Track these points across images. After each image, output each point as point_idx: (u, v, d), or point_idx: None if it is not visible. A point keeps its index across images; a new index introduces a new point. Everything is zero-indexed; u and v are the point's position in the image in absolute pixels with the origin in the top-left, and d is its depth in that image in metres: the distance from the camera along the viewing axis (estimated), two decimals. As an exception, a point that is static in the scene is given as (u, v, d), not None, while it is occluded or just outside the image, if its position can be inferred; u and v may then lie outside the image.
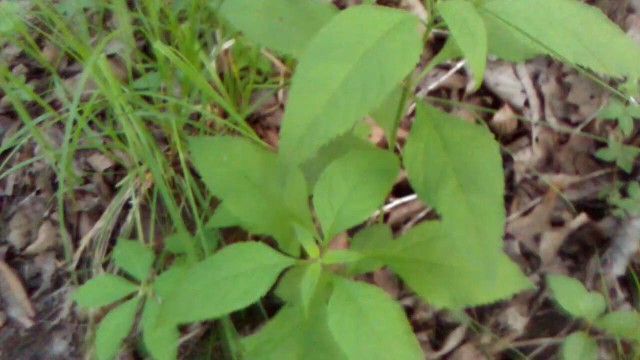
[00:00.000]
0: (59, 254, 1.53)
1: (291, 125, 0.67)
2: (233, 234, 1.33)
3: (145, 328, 1.13)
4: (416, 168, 0.81)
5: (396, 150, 1.36)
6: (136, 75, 1.45)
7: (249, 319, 1.33)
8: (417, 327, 1.29)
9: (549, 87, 1.48)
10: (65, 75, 1.68)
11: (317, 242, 0.89)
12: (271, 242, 0.92)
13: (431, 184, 0.80)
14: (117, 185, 1.32)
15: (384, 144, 1.42)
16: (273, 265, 0.84)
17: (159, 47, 0.98)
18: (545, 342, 1.25)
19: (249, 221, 0.91)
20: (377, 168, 0.87)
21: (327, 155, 0.89)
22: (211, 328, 1.37)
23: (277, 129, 1.48)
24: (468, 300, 0.89)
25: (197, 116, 1.38)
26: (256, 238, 1.34)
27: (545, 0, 0.73)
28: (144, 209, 1.40)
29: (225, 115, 1.39)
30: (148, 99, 1.37)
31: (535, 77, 1.50)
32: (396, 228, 1.37)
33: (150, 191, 1.36)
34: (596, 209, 1.36)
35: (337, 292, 0.82)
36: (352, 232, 1.24)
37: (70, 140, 1.16)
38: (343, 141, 1.02)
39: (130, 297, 1.19)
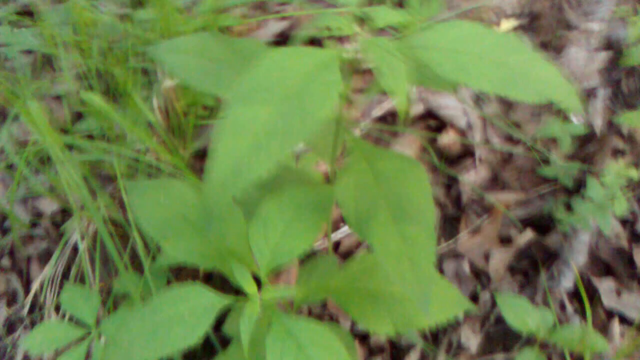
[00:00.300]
0: (11, 299, 1.51)
1: (215, 168, 0.68)
2: (183, 271, 1.32)
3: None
4: (348, 201, 0.82)
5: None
6: (81, 116, 1.44)
7: (203, 353, 1.32)
8: (372, 351, 1.29)
9: (492, 107, 1.51)
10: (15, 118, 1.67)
11: (258, 278, 0.89)
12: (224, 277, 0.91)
13: (363, 216, 0.81)
14: (62, 229, 1.31)
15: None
16: (210, 306, 0.84)
17: (87, 97, 0.98)
18: (499, 358, 1.26)
19: (189, 262, 0.91)
20: (312, 202, 0.88)
21: (268, 190, 0.90)
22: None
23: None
24: (409, 326, 0.90)
25: (145, 151, 1.38)
26: (209, 274, 1.34)
27: (468, 32, 0.75)
28: (94, 250, 1.39)
29: (171, 151, 1.39)
30: (94, 139, 1.37)
31: (478, 99, 1.53)
32: (348, 254, 1.37)
33: (97, 233, 1.35)
34: (543, 224, 1.38)
35: (276, 328, 0.82)
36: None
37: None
38: (284, 175, 1.02)
39: (81, 340, 1.18)
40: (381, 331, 0.89)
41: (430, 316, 0.90)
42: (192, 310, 0.84)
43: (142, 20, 1.21)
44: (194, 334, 0.82)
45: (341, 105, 0.86)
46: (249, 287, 0.86)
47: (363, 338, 1.30)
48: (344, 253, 1.36)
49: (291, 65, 0.72)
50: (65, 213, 1.45)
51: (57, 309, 1.41)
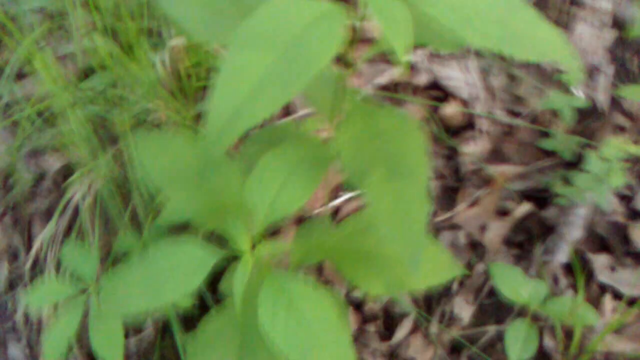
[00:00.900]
0: (12, 257, 1.53)
1: (216, 112, 0.68)
2: (184, 232, 1.33)
3: (91, 327, 1.13)
4: (346, 157, 0.82)
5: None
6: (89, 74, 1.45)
7: (200, 315, 1.34)
8: (366, 318, 1.30)
9: (498, 81, 1.51)
10: (21, 76, 1.67)
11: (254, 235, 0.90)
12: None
13: (359, 171, 0.82)
14: (64, 186, 1.32)
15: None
16: (205, 259, 0.85)
17: (100, 44, 0.98)
18: (491, 329, 1.27)
19: (186, 217, 0.92)
20: (309, 158, 0.88)
21: (269, 149, 0.91)
22: (165, 327, 1.38)
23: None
24: (401, 287, 0.91)
25: (150, 109, 1.38)
26: (208, 236, 1.36)
27: None
28: (96, 209, 1.40)
29: (178, 110, 1.40)
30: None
31: (485, 72, 1.53)
32: (346, 222, 1.38)
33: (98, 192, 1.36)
34: (541, 197, 1.39)
35: (269, 284, 0.83)
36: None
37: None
38: (284, 137, 1.03)
39: (79, 294, 1.20)
40: (373, 292, 0.90)
41: (422, 279, 0.92)
42: (187, 263, 0.85)
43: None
44: (188, 286, 0.83)
45: (343, 65, 0.87)
46: (243, 242, 0.87)
47: (357, 306, 1.31)
48: (342, 219, 1.37)
49: (294, 13, 0.72)
50: (68, 171, 1.46)
51: (58, 267, 1.43)
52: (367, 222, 0.93)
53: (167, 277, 0.85)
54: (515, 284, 1.18)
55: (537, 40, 0.75)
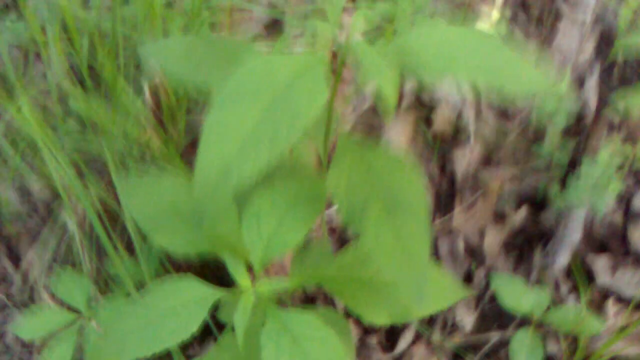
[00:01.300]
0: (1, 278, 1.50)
1: (204, 173, 0.67)
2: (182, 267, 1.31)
3: (87, 353, 1.11)
4: (340, 195, 0.80)
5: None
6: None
7: (201, 337, 1.32)
8: (367, 330, 1.29)
9: (484, 99, 1.48)
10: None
11: (251, 270, 0.88)
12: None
13: (356, 209, 0.80)
14: (52, 207, 1.28)
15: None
16: (204, 299, 0.83)
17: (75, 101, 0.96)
18: (494, 336, 1.26)
19: (183, 254, 0.90)
20: (305, 195, 0.86)
21: (263, 182, 0.89)
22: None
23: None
24: (406, 316, 0.89)
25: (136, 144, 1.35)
26: (203, 262, 1.33)
27: (449, 34, 0.74)
28: (84, 229, 1.37)
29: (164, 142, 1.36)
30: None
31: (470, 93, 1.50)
32: (341, 232, 1.36)
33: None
34: (538, 201, 1.37)
35: (271, 323, 0.81)
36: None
37: None
38: (279, 168, 1.01)
39: (72, 324, 1.17)
40: (377, 321, 0.88)
41: (426, 305, 0.90)
42: (185, 304, 0.83)
43: (127, 16, 1.17)
44: (187, 328, 0.81)
45: (331, 97, 0.84)
46: (243, 280, 0.85)
47: (358, 318, 1.30)
48: (335, 230, 1.35)
49: (276, 68, 0.71)
50: (56, 192, 1.42)
51: (48, 289, 1.40)
52: (367, 253, 0.91)
53: (165, 319, 0.83)
54: (516, 294, 1.16)
55: (517, 76, 0.74)
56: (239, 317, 0.81)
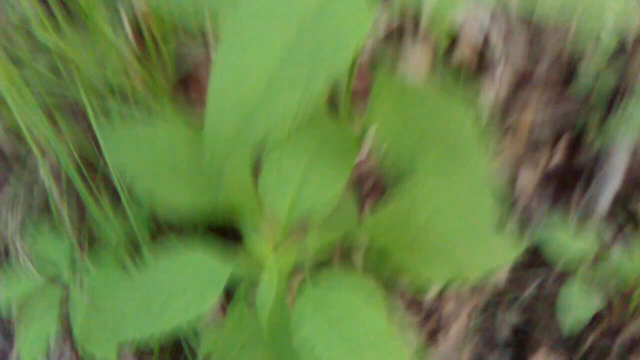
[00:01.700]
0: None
1: (217, 124, 0.50)
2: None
3: (74, 327, 0.97)
4: (385, 141, 0.65)
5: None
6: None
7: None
8: (388, 286, 1.16)
9: (514, 20, 1.31)
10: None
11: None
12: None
13: (404, 161, 0.65)
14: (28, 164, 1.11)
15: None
16: (217, 275, 0.68)
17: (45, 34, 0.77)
18: (530, 290, 1.14)
19: (190, 220, 0.75)
20: (334, 142, 0.70)
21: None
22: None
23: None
24: (458, 279, 0.76)
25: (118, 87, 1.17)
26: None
27: None
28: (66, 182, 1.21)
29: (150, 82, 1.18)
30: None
31: (498, 13, 1.32)
32: (364, 182, 1.22)
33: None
34: (573, 142, 1.23)
35: (302, 302, 0.67)
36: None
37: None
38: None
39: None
40: (435, 279, 0.75)
41: (480, 264, 0.76)
42: (194, 280, 0.69)
43: None
44: (199, 306, 0.67)
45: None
46: (264, 250, 0.70)
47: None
48: (358, 181, 1.20)
49: None
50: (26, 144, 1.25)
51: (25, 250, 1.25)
52: (408, 206, 0.76)
53: (172, 295, 0.68)
54: (562, 243, 1.03)
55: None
56: (263, 298, 0.67)
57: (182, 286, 0.68)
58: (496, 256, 0.78)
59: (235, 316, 0.82)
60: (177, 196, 0.75)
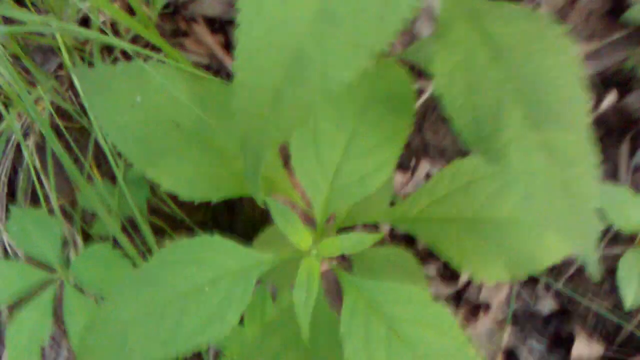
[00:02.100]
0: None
1: (254, 74, 0.35)
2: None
3: (70, 330, 0.82)
4: (457, 98, 0.49)
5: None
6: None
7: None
8: (422, 258, 1.03)
9: None
10: None
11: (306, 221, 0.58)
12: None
13: (485, 121, 0.49)
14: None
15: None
16: (245, 270, 0.53)
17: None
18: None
19: (190, 195, 0.59)
20: (383, 97, 0.55)
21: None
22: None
23: (206, 20, 1.11)
24: (530, 266, 0.62)
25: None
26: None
27: None
28: (44, 152, 1.05)
29: (132, 12, 1.01)
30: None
31: None
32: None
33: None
34: (621, 82, 1.08)
35: (352, 303, 0.53)
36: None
37: None
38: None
39: (46, 284, 0.88)
40: (491, 278, 0.61)
41: (557, 249, 0.62)
42: (217, 278, 0.54)
43: None
44: (224, 320, 0.52)
45: None
46: (302, 240, 0.55)
47: (409, 244, 1.03)
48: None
49: None
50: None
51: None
52: (470, 177, 0.62)
53: (181, 310, 0.54)
54: (623, 208, 0.90)
55: None
56: (302, 296, 0.53)
57: (200, 288, 0.54)
58: (565, 245, 0.64)
59: (257, 316, 0.69)
60: (182, 165, 0.59)
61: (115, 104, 0.59)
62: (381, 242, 0.99)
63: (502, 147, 0.48)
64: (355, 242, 0.53)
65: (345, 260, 0.92)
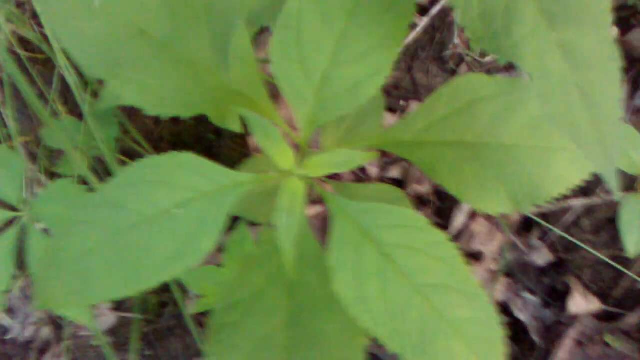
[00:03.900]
0: None
1: None
2: (140, 113, 0.92)
3: (34, 275, 0.76)
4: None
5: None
6: None
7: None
8: (413, 205, 0.97)
9: None
10: None
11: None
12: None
13: (495, 15, 0.43)
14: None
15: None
16: (220, 191, 0.47)
17: None
18: (577, 204, 0.96)
19: (159, 110, 0.52)
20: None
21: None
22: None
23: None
24: (535, 196, 0.56)
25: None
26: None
27: None
28: (2, 87, 0.97)
29: None
30: None
31: None
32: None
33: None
34: (622, 18, 1.02)
35: (341, 230, 0.47)
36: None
37: None
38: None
39: (6, 225, 0.81)
40: (494, 209, 0.55)
41: (556, 183, 0.57)
42: (188, 201, 0.47)
43: None
44: (195, 248, 0.46)
45: None
46: (283, 157, 0.49)
47: (398, 186, 0.97)
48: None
49: None
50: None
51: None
52: (472, 95, 0.55)
53: (149, 237, 0.47)
54: (626, 147, 0.84)
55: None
56: (284, 220, 0.46)
57: (167, 211, 0.47)
58: (569, 177, 0.58)
59: (236, 256, 0.62)
60: (150, 76, 0.52)
61: (71, 6, 0.52)
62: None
63: (515, 45, 0.42)
64: (345, 158, 0.47)
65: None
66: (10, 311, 1.05)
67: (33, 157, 0.93)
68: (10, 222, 0.79)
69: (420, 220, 0.47)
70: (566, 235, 0.94)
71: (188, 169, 0.47)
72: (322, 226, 0.92)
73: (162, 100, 0.52)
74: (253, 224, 0.82)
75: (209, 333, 0.53)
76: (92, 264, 0.47)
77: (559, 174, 0.56)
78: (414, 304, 0.45)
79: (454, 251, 0.47)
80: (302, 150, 0.50)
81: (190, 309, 0.87)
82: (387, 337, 0.44)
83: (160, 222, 0.47)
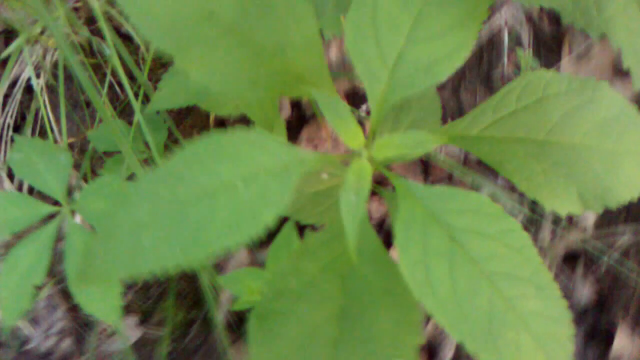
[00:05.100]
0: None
1: None
2: (188, 119, 0.92)
3: (68, 271, 0.74)
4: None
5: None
6: None
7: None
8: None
9: None
10: None
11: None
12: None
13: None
14: (4, 55, 0.87)
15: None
16: (285, 168, 0.45)
17: None
18: (624, 232, 0.93)
19: (222, 88, 0.51)
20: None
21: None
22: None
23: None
24: (605, 199, 0.54)
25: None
26: (221, 123, 0.95)
27: None
28: (54, 90, 0.97)
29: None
30: None
31: None
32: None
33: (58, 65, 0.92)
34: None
35: (408, 212, 0.45)
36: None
37: None
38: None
39: (48, 219, 0.80)
40: (562, 207, 0.52)
41: (631, 186, 0.54)
42: (249, 176, 0.46)
43: None
44: (256, 221, 0.44)
45: None
46: (352, 135, 0.47)
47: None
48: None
49: None
50: (10, 35, 1.01)
51: (11, 175, 1.01)
52: (543, 91, 0.54)
53: (207, 210, 0.45)
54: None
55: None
56: (350, 201, 0.45)
57: (230, 185, 0.46)
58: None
59: (282, 258, 0.60)
60: (213, 57, 0.51)
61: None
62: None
63: (607, 20, 0.40)
64: (418, 139, 0.45)
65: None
66: (33, 320, 1.03)
67: (76, 164, 0.93)
68: (51, 217, 0.78)
69: (493, 206, 0.45)
70: (614, 266, 0.91)
71: (253, 145, 0.46)
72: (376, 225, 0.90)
73: (227, 79, 0.51)
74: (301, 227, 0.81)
75: (253, 320, 0.51)
76: (146, 236, 0.46)
77: (629, 178, 0.54)
78: (483, 292, 0.43)
79: (528, 241, 0.45)
80: (371, 132, 0.48)
81: (220, 323, 0.84)
82: (451, 323, 0.42)
83: (223, 195, 0.45)
